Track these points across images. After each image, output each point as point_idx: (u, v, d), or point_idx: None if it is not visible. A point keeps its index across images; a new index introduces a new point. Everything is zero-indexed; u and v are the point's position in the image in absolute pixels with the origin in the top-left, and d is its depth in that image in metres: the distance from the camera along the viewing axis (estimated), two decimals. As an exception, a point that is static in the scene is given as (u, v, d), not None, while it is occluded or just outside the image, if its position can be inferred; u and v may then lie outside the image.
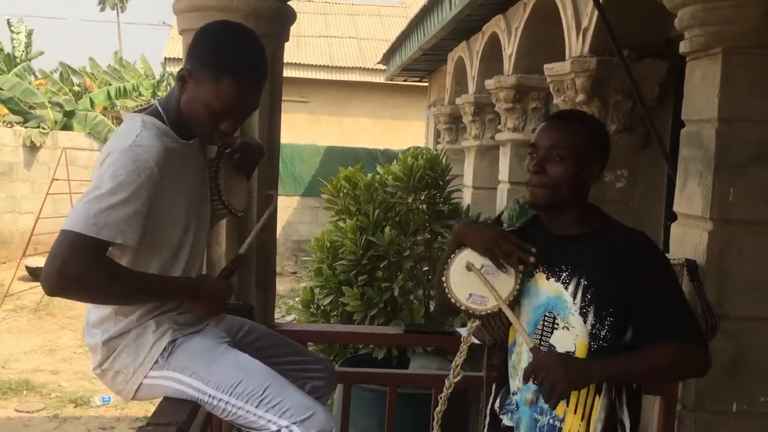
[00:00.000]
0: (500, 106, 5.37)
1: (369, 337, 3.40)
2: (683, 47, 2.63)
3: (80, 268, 1.59)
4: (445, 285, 1.82)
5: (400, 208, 4.46)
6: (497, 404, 1.91)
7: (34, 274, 9.84)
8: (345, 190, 4.58)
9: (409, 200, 4.46)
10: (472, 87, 6.68)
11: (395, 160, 4.69)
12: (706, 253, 2.48)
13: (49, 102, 13.70)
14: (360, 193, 4.50)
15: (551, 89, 4.33)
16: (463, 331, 2.69)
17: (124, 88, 14.87)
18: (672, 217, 2.79)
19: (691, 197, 2.59)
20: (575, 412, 1.75)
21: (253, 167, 2.16)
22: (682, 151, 2.69)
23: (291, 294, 9.89)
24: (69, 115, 13.69)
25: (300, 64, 14.50)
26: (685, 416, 2.54)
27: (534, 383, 1.70)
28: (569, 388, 1.66)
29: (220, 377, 1.80)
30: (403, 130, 14.77)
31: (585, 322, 1.72)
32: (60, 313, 8.54)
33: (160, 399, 1.87)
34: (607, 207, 1.90)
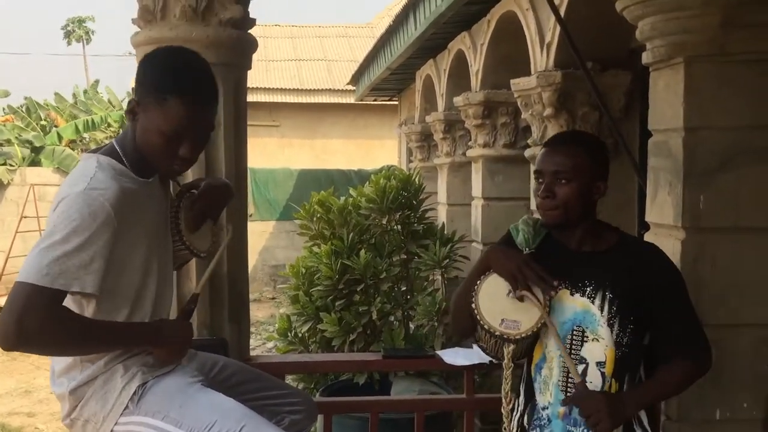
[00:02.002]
0: (470, 123, 5.38)
1: (347, 365, 3.35)
2: (645, 58, 2.64)
3: (38, 321, 1.53)
4: (476, 312, 1.86)
5: (374, 230, 4.44)
6: (525, 420, 1.98)
7: (6, 314, 9.60)
8: (318, 215, 4.55)
9: (384, 222, 4.44)
10: (441, 104, 6.70)
11: (368, 182, 4.67)
12: (680, 262, 2.47)
13: (17, 138, 13.49)
14: (334, 217, 4.47)
15: (519, 104, 4.34)
16: (448, 355, 2.67)
17: (92, 120, 14.71)
18: (645, 227, 2.79)
19: (662, 206, 2.59)
20: None
21: (220, 210, 2.10)
22: (651, 161, 2.69)
23: (270, 320, 9.79)
24: (37, 150, 13.50)
25: (270, 88, 14.47)
26: (669, 427, 2.53)
27: (579, 416, 1.84)
28: (612, 426, 1.82)
29: (193, 419, 1.74)
30: (376, 150, 14.79)
31: (612, 332, 1.85)
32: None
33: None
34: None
